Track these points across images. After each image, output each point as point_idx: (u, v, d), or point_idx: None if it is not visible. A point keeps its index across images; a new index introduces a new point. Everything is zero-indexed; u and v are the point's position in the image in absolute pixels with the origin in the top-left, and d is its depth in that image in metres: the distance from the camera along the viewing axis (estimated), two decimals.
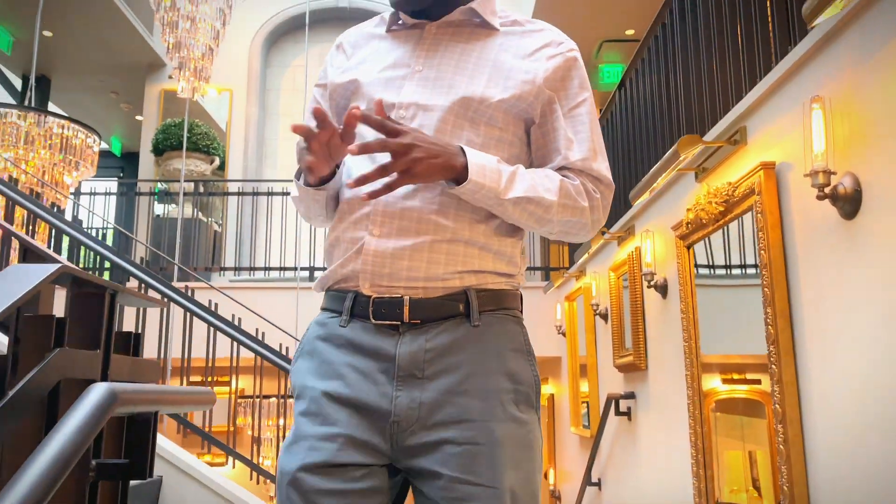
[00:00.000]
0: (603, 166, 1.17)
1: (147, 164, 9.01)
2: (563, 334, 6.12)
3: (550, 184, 1.11)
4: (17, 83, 10.34)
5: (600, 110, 5.53)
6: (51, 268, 1.09)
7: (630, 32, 7.90)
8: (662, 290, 3.58)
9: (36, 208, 3.17)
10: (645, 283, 3.70)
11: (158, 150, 8.50)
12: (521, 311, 1.18)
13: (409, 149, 0.99)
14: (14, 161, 4.37)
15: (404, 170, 1.00)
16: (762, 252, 2.42)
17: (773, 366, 2.32)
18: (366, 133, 1.11)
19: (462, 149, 1.06)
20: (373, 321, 1.08)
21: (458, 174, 1.04)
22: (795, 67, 2.26)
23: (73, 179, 4.85)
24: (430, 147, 1.02)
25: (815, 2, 1.77)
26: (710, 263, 3.12)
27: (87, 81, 9.87)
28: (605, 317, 4.69)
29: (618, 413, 4.29)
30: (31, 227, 3.94)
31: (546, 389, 7.67)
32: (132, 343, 1.42)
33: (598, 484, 4.94)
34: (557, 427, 7.01)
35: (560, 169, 1.15)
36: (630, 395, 4.17)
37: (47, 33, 8.29)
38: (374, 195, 1.03)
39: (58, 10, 7.68)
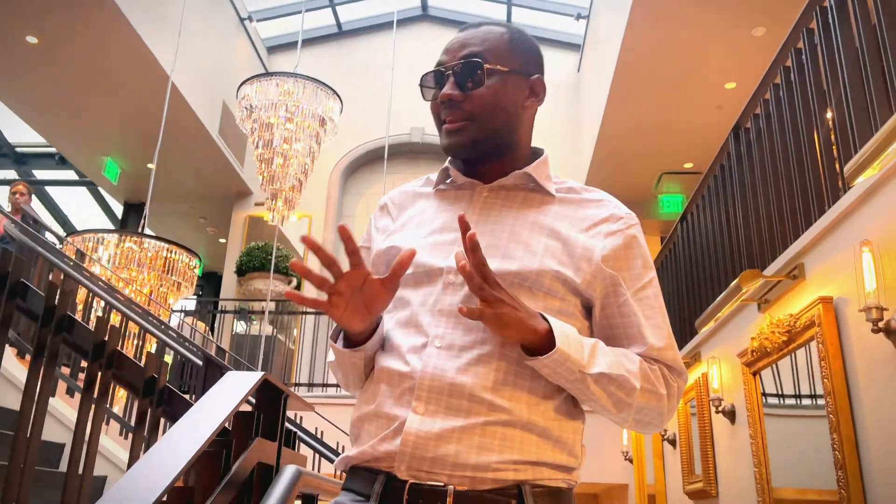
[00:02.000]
0: (678, 356, 1.08)
1: (229, 283, 9.61)
2: (630, 461, 6.10)
3: (631, 365, 1.00)
4: (118, 209, 11.34)
5: (662, 239, 5.79)
6: (257, 375, 1.39)
7: (689, 165, 8.28)
8: (731, 415, 3.69)
9: (154, 329, 3.55)
10: (713, 409, 3.81)
11: (241, 272, 9.10)
12: None
13: (501, 301, 0.92)
14: (129, 280, 4.88)
15: (492, 318, 0.92)
16: (825, 380, 2.57)
17: (842, 490, 2.42)
18: (407, 296, 1.05)
19: (542, 315, 0.97)
20: None
21: (541, 339, 0.95)
22: (846, 213, 2.51)
23: (176, 298, 5.33)
24: (518, 303, 0.95)
25: (855, 164, 2.04)
26: (779, 393, 3.25)
27: (180, 207, 10.74)
28: (673, 442, 4.74)
29: None
30: (142, 340, 4.35)
31: None
32: (291, 438, 1.70)
33: None
34: None
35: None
36: None
37: (151, 165, 9.18)
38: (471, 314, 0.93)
39: (163, 145, 8.57)
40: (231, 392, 1.24)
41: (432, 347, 0.99)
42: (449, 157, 1.14)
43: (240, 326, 8.98)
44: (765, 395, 3.32)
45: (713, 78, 6.73)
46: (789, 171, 3.22)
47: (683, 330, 4.80)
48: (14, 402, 3.11)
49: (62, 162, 11.15)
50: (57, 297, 1.68)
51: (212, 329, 9.43)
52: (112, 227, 11.93)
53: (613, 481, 6.77)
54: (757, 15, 5.83)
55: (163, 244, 5.60)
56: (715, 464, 3.95)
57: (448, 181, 1.14)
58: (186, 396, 2.02)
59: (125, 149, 9.06)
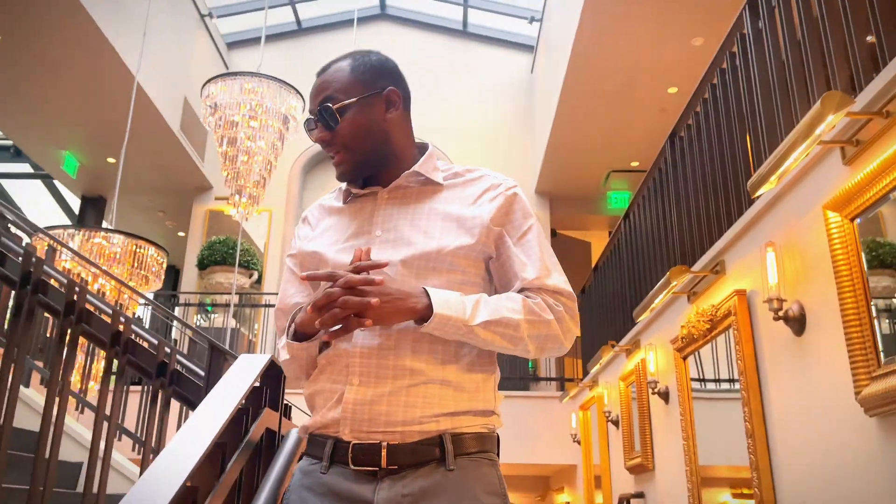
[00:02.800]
0: (559, 280, 1.24)
1: (189, 277, 9.73)
2: (579, 442, 6.52)
3: (513, 304, 1.17)
4: (74, 202, 11.32)
5: (609, 233, 6.22)
6: (266, 357, 1.69)
7: (635, 164, 8.73)
8: (665, 396, 4.09)
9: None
10: (650, 391, 4.21)
11: (203, 265, 9.24)
12: (498, 453, 1.21)
13: (368, 305, 1.06)
14: (100, 274, 5.05)
15: (361, 310, 1.07)
16: (739, 362, 2.97)
17: (752, 455, 2.82)
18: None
19: (426, 290, 1.12)
20: (352, 467, 1.11)
21: (424, 313, 1.10)
22: (756, 218, 2.91)
23: (145, 291, 5.51)
24: (391, 291, 1.09)
25: (756, 179, 2.42)
26: (702, 378, 3.65)
27: (139, 201, 10.78)
28: (616, 423, 5.15)
29: None
30: None
31: (562, 498, 7.95)
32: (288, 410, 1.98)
33: None
34: None
35: (520, 291, 1.21)
36: (640, 495, 4.58)
37: (111, 160, 9.24)
38: (333, 335, 1.12)
39: (122, 139, 8.64)
40: (249, 370, 1.53)
41: (358, 331, 1.15)
42: None
43: (199, 320, 9.13)
44: (698, 380, 3.72)
45: (657, 83, 7.16)
46: (714, 178, 3.61)
47: (626, 319, 5.21)
48: (31, 423, 3.23)
49: (17, 154, 11.09)
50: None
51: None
52: (69, 222, 11.89)
53: (563, 462, 7.19)
54: (696, 26, 6.27)
55: (131, 239, 5.78)
56: (652, 440, 4.36)
57: (350, 197, 1.30)
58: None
59: (84, 143, 9.10)
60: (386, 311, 1.08)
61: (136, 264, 5.68)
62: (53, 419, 1.92)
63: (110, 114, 7.86)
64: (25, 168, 11.54)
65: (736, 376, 3.07)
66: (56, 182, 11.12)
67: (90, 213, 10.58)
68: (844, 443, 2.29)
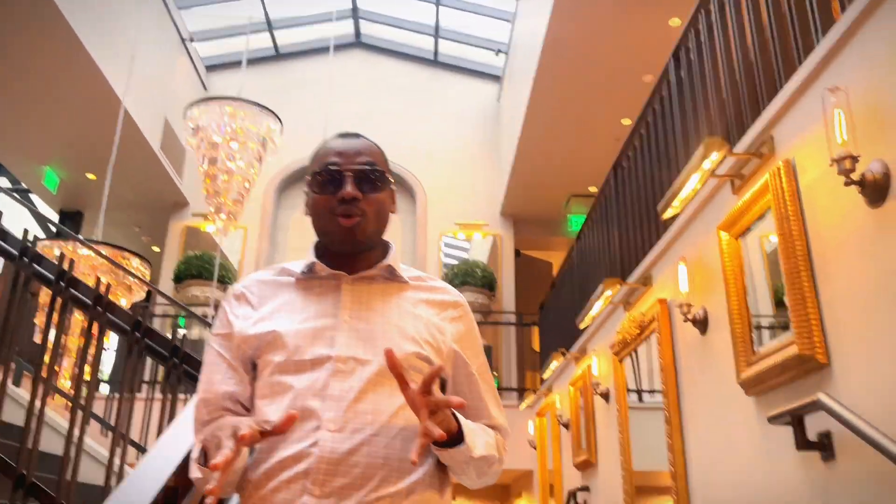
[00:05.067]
0: (505, 419, 1.30)
1: (165, 290, 10.04)
2: (535, 447, 6.97)
3: (493, 441, 1.20)
4: (54, 217, 11.58)
5: (569, 254, 6.75)
6: None
7: (593, 189, 9.31)
8: (605, 396, 4.58)
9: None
10: (593, 391, 4.70)
11: (179, 279, 9.57)
12: None
13: (448, 403, 1.02)
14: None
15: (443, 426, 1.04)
16: (661, 359, 3.47)
17: (666, 411, 3.31)
18: (288, 381, 1.13)
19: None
20: None
21: (452, 436, 1.08)
22: (675, 237, 3.42)
23: (129, 301, 5.87)
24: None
25: (662, 204, 2.94)
26: (638, 388, 4.14)
27: (115, 216, 11.03)
28: (567, 426, 5.62)
29: None
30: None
31: (521, 503, 8.38)
32: None
33: None
34: None
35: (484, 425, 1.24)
36: (585, 489, 5.04)
37: (91, 176, 9.57)
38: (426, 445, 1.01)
39: (106, 158, 8.98)
40: None
41: (325, 431, 1.07)
42: (314, 251, 1.25)
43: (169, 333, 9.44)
44: (636, 391, 4.21)
45: (612, 114, 7.76)
46: (648, 203, 4.14)
47: (577, 331, 5.71)
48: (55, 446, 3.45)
49: None
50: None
51: None
52: (44, 235, 12.11)
53: (522, 467, 7.63)
54: (645, 64, 6.88)
55: (117, 251, 6.15)
56: (595, 437, 4.85)
57: (312, 273, 1.23)
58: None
59: (65, 159, 9.41)
60: (444, 425, 1.06)
61: (118, 275, 6.04)
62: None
63: (92, 131, 8.20)
64: (4, 182, 11.75)
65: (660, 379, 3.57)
66: (32, 197, 11.37)
67: (69, 227, 10.85)
68: (734, 423, 2.78)
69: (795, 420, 2.16)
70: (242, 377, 1.18)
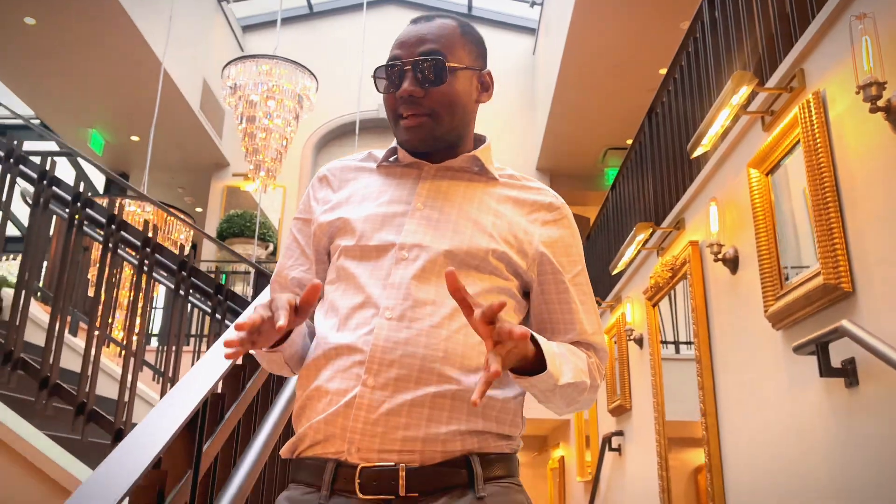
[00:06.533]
0: (604, 338, 1.15)
1: (209, 248, 10.32)
2: None
3: (583, 365, 1.06)
4: (99, 179, 11.92)
5: (603, 205, 6.75)
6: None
7: (629, 142, 9.21)
8: (639, 342, 4.63)
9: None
10: (627, 338, 4.75)
11: (222, 237, 9.82)
12: None
13: (510, 335, 0.85)
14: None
15: (509, 356, 0.88)
16: (692, 301, 3.51)
17: (699, 377, 3.37)
18: (351, 268, 1.07)
19: (531, 335, 0.94)
20: (360, 496, 0.94)
21: (532, 362, 0.95)
22: (706, 179, 3.42)
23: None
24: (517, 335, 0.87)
25: (692, 143, 2.95)
26: (675, 340, 4.17)
27: (159, 177, 11.34)
28: None
29: (611, 449, 5.23)
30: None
31: (557, 453, 8.53)
32: None
33: (619, 449, 5.74)
34: (567, 482, 7.84)
35: (575, 343, 1.11)
36: (619, 433, 5.13)
37: (135, 138, 9.81)
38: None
39: (148, 119, 9.21)
40: None
41: (382, 318, 1.00)
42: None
43: None
44: (672, 343, 4.24)
45: (647, 64, 7.63)
46: (682, 148, 4.12)
47: (613, 281, 5.75)
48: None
49: (43, 134, 11.65)
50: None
51: None
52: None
53: (558, 418, 7.76)
54: (683, 10, 6.74)
55: (161, 209, 6.35)
56: (630, 383, 4.91)
57: (393, 159, 1.16)
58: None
59: (109, 121, 9.65)
60: (514, 354, 0.90)
61: (166, 231, 6.25)
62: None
63: (134, 93, 8.40)
64: (52, 146, 12.11)
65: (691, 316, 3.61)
66: (79, 160, 11.70)
67: (114, 189, 11.17)
68: (762, 359, 2.82)
69: (820, 348, 2.20)
70: (310, 264, 1.15)
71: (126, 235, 2.53)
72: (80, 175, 12.81)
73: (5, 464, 2.33)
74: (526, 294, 1.12)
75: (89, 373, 2.37)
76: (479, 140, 1.19)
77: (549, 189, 1.17)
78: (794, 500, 2.52)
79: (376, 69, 1.10)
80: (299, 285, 1.15)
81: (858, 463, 2.12)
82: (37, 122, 11.62)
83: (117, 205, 2.54)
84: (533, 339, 0.94)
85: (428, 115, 1.08)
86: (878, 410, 2.04)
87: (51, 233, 3.10)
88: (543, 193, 1.16)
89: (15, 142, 2.56)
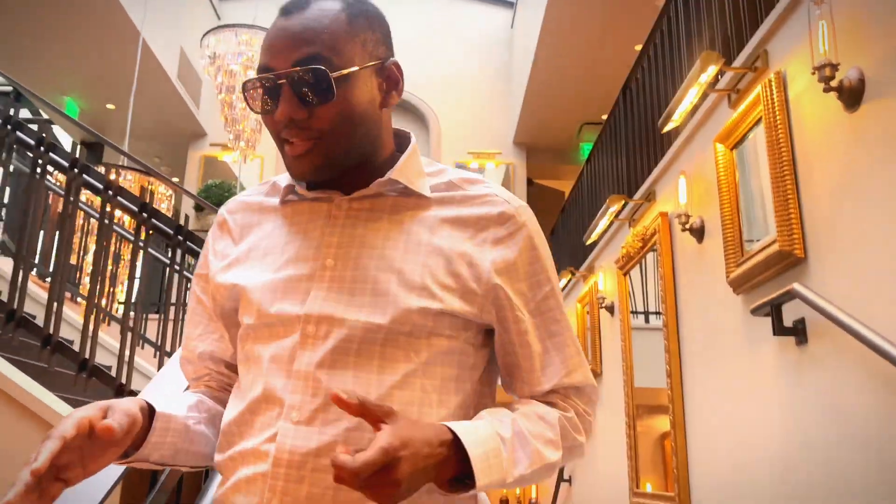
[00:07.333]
0: (587, 372, 0.94)
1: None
2: None
3: (552, 433, 0.86)
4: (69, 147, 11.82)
5: (578, 178, 6.92)
6: None
7: (604, 117, 9.37)
8: (610, 309, 4.84)
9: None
10: (599, 305, 4.96)
11: (199, 207, 9.85)
12: None
13: (398, 461, 0.68)
14: None
15: (389, 491, 0.68)
16: (661, 269, 3.70)
17: (666, 341, 3.58)
18: (258, 351, 0.87)
19: (448, 428, 0.76)
20: None
21: (456, 472, 0.76)
22: (677, 153, 3.60)
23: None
24: (414, 447, 0.70)
25: (663, 118, 3.11)
26: (645, 311, 4.37)
27: (136, 147, 11.25)
28: None
29: None
30: None
31: None
32: None
33: (570, 480, 6.06)
34: None
35: (547, 393, 0.91)
36: None
37: (111, 106, 9.75)
38: None
39: (125, 88, 9.15)
40: None
41: (287, 422, 0.81)
42: None
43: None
44: (642, 313, 4.45)
45: (624, 40, 7.77)
46: (654, 123, 4.29)
47: (587, 252, 5.95)
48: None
49: (17, 100, 11.51)
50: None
51: None
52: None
53: None
54: None
55: (142, 175, 6.39)
56: (600, 348, 5.13)
57: (290, 197, 0.93)
58: None
59: (85, 89, 9.58)
60: (406, 490, 0.70)
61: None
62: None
63: (111, 61, 8.35)
64: (25, 114, 11.96)
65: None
66: (53, 129, 11.58)
67: (90, 157, 11.10)
68: (723, 322, 3.02)
69: (774, 309, 2.39)
70: (222, 332, 0.96)
71: (123, 201, 2.65)
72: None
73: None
74: (490, 332, 0.92)
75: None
76: (402, 141, 0.96)
77: (501, 191, 0.93)
78: (750, 454, 2.74)
79: (245, 83, 0.86)
80: (212, 359, 0.98)
81: (808, 412, 2.33)
82: (7, 89, 11.47)
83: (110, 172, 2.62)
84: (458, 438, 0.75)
85: (317, 138, 0.84)
86: (824, 365, 2.25)
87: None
88: (491, 202, 0.91)
89: (12, 110, 2.64)
